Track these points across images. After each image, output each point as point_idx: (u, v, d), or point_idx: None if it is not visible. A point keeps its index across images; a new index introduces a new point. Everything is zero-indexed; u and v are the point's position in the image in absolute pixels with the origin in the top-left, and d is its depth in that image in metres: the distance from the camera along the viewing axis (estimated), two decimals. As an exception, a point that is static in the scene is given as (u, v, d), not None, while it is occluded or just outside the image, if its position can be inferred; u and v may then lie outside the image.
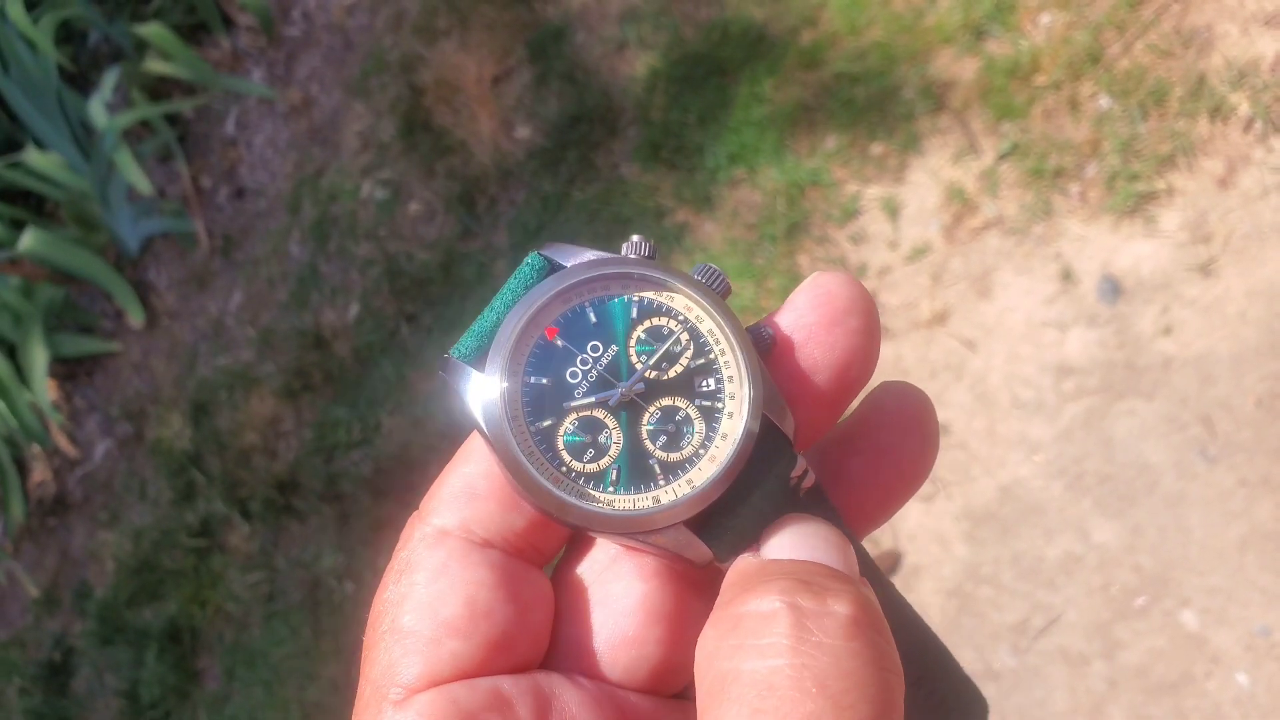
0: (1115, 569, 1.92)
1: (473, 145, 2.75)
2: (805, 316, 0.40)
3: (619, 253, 0.42)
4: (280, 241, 2.93)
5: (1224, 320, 1.99)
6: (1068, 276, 2.11)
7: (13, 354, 2.98)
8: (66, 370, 3.10)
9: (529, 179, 2.66)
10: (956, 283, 2.19)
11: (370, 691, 0.38)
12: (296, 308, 2.83)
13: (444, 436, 2.53)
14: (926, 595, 1.95)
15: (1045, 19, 2.28)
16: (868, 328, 0.40)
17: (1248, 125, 2.08)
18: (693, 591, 0.41)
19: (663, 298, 0.41)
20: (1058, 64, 2.22)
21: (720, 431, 0.39)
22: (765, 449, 0.39)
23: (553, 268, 0.41)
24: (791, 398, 0.40)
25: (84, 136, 3.02)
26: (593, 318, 0.40)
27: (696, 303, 0.40)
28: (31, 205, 3.21)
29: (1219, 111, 2.10)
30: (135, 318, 3.03)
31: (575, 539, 0.42)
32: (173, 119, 3.18)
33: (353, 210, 2.85)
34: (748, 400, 0.38)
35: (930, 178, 2.27)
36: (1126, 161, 2.13)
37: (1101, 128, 2.17)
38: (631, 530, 0.38)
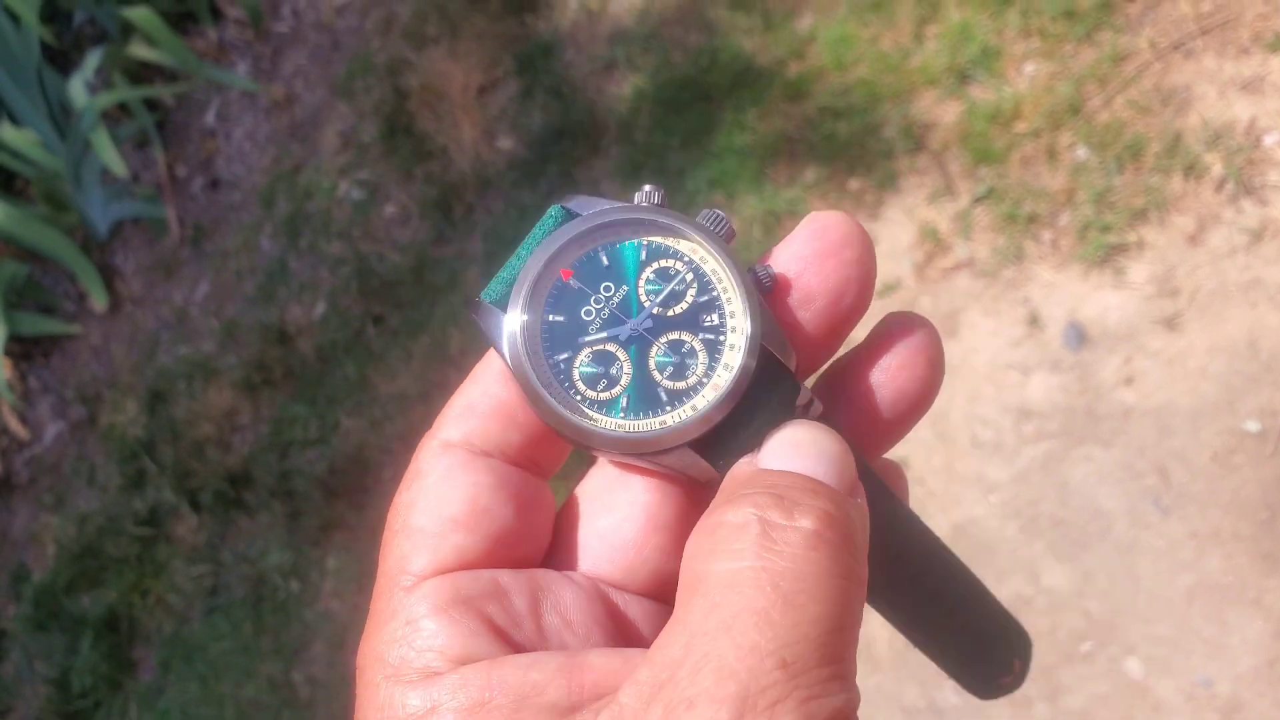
0: (1063, 613, 1.93)
1: (454, 152, 2.75)
2: (802, 249, 0.43)
3: (633, 201, 0.45)
4: (252, 235, 2.91)
5: (1185, 374, 2.01)
6: (1034, 321, 2.13)
7: (-31, 329, 2.93)
8: (23, 349, 3.05)
9: (508, 189, 2.66)
10: (925, 320, 2.20)
11: (384, 582, 0.42)
12: (263, 302, 2.80)
13: (400, 439, 2.51)
14: (874, 628, 1.95)
15: (1029, 68, 2.31)
16: (860, 258, 0.43)
17: (1220, 185, 2.11)
18: (696, 507, 0.43)
19: (670, 241, 0.44)
20: (1038, 112, 2.25)
21: (723, 362, 0.42)
22: (767, 379, 0.42)
23: (571, 219, 0.45)
24: (790, 326, 0.43)
25: (61, 116, 2.99)
26: (605, 261, 0.44)
27: (701, 245, 0.44)
28: (0, 180, 3.17)
29: (1193, 170, 2.13)
30: (98, 301, 3.00)
31: (588, 459, 0.46)
32: (153, 105, 3.16)
33: (327, 208, 2.83)
34: (747, 334, 0.42)
35: (905, 216, 2.29)
36: (1100, 212, 2.15)
37: (1077, 178, 2.19)
38: (640, 451, 0.42)
